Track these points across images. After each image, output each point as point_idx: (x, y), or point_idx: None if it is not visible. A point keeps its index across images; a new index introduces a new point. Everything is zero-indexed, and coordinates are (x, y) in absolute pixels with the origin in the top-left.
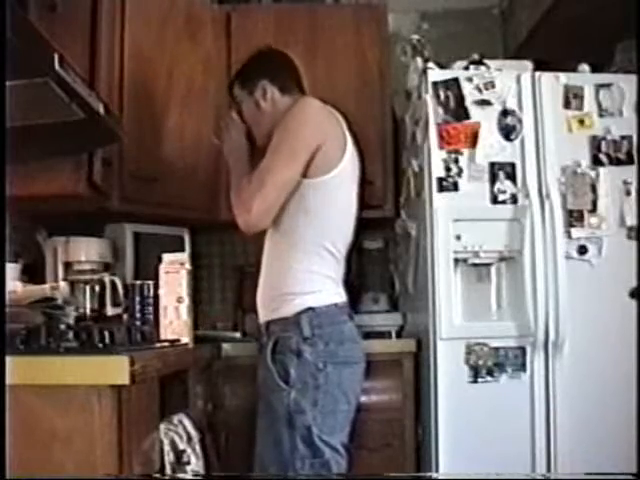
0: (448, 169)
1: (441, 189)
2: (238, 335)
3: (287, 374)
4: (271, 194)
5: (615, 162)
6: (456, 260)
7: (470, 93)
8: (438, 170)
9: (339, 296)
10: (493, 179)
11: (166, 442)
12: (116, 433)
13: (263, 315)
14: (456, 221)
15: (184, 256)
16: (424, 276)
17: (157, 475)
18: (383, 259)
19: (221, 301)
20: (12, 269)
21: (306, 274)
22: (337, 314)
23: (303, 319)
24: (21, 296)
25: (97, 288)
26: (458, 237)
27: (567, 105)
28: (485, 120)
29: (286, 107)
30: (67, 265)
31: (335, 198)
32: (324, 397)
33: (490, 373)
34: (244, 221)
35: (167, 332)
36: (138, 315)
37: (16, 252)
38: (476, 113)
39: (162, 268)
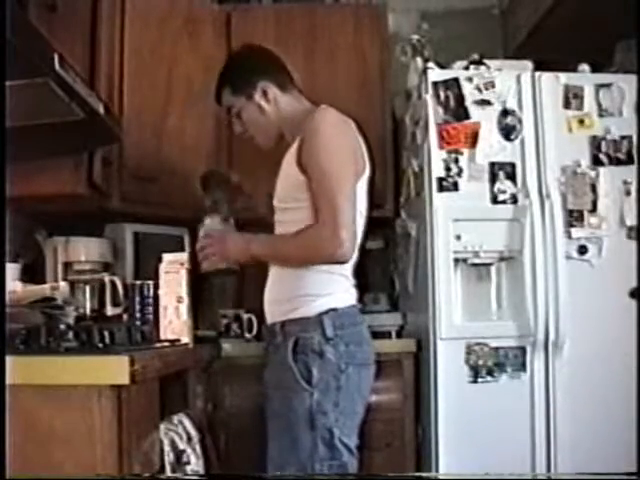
0: (448, 169)
1: (441, 189)
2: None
3: (310, 374)
4: (348, 216)
5: (615, 162)
6: (456, 260)
7: (470, 93)
8: (438, 170)
9: (354, 297)
10: (493, 179)
11: (166, 442)
12: (116, 433)
13: (277, 315)
14: (456, 221)
15: (184, 256)
16: (424, 276)
17: (157, 475)
18: (383, 259)
19: (221, 301)
20: (12, 269)
21: (326, 274)
22: (356, 315)
23: (326, 320)
24: (21, 296)
25: (97, 288)
26: (458, 237)
27: (567, 105)
28: (485, 120)
29: (289, 106)
30: (67, 265)
31: (360, 204)
32: (345, 398)
33: (490, 373)
34: (342, 255)
35: (167, 332)
36: (138, 315)
37: (16, 252)
38: (476, 113)
39: (162, 268)
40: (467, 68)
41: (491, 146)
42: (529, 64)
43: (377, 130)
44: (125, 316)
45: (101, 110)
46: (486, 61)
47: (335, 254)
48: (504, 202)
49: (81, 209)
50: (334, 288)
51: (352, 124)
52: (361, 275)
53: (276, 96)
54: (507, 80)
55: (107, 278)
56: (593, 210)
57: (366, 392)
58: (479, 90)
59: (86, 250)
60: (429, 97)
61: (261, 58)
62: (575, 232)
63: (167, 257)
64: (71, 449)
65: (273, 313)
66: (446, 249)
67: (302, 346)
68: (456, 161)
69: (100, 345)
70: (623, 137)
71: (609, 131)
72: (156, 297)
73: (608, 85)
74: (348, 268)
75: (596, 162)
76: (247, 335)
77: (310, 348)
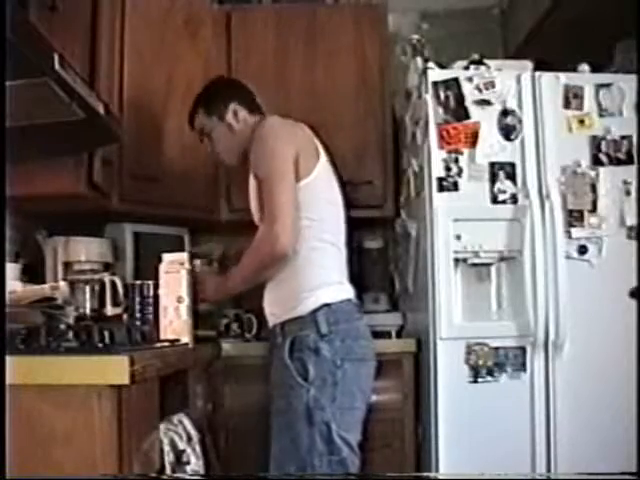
0: (448, 169)
1: (441, 189)
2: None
3: (306, 371)
4: (287, 218)
5: (615, 162)
6: (456, 260)
7: (470, 93)
8: (438, 170)
9: (350, 291)
10: (493, 179)
11: (166, 442)
12: (116, 433)
13: (277, 316)
14: (456, 221)
15: (184, 256)
16: (424, 276)
17: (157, 475)
18: (383, 259)
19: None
20: (12, 269)
21: (316, 269)
22: (352, 311)
23: (320, 316)
24: (21, 296)
25: (97, 288)
26: (458, 237)
27: (567, 105)
28: (485, 120)
29: (255, 126)
30: (67, 265)
31: (321, 194)
32: (342, 394)
33: (490, 373)
34: (280, 250)
35: (167, 332)
36: (138, 315)
37: (16, 252)
38: (476, 113)
39: (162, 268)
40: (467, 68)
41: (491, 146)
42: (529, 64)
43: (377, 130)
44: (125, 316)
45: (101, 110)
46: (486, 61)
47: (273, 251)
48: (504, 202)
49: (81, 209)
50: (325, 280)
51: (298, 126)
52: (361, 275)
53: (245, 117)
54: (507, 80)
55: (107, 278)
56: (593, 210)
57: (366, 387)
58: (479, 90)
59: (86, 250)
60: (429, 97)
61: (233, 86)
62: (575, 232)
63: (167, 257)
64: (71, 449)
65: (274, 315)
66: (446, 249)
67: (299, 344)
68: (456, 161)
69: (100, 345)
70: (623, 137)
71: (609, 131)
72: (156, 297)
73: (608, 85)
74: (338, 259)
75: (596, 162)
76: (247, 335)
77: (306, 346)
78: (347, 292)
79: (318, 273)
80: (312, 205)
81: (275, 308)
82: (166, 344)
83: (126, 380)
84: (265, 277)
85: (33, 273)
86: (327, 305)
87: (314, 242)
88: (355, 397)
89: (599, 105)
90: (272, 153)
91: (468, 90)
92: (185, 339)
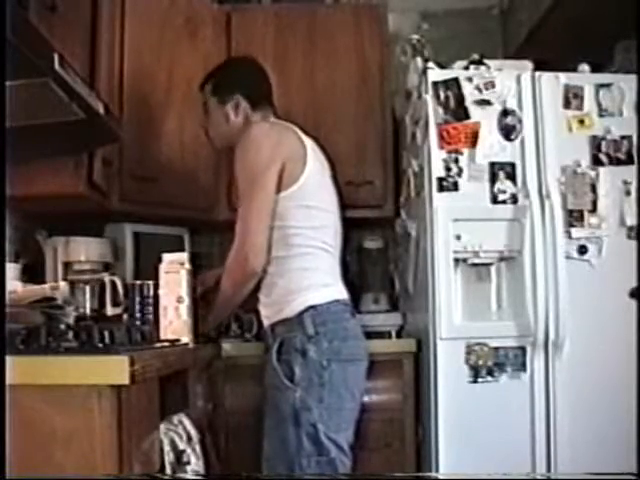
0: (448, 169)
1: (441, 189)
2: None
3: (292, 373)
4: (257, 237)
5: (615, 162)
6: (456, 260)
7: (470, 93)
8: (438, 170)
9: (339, 293)
10: (493, 179)
11: (166, 442)
12: (116, 433)
13: (267, 318)
14: (456, 221)
15: (184, 256)
16: (424, 276)
17: (157, 475)
18: (383, 259)
19: None
20: (12, 269)
21: (303, 272)
22: (339, 311)
23: (306, 318)
24: (21, 296)
25: (97, 288)
26: (458, 237)
27: (567, 105)
28: (485, 120)
29: (251, 122)
30: (67, 265)
31: (309, 202)
32: (329, 394)
33: (490, 373)
34: (249, 268)
35: (167, 332)
36: (138, 315)
37: (16, 252)
38: (476, 113)
39: (162, 268)
40: (467, 68)
41: (491, 146)
42: (529, 64)
43: (377, 130)
44: (125, 316)
45: (101, 110)
46: (486, 61)
47: (244, 272)
48: (504, 202)
49: (81, 209)
50: (312, 283)
51: (288, 131)
52: (361, 275)
53: (246, 111)
54: (507, 80)
55: (107, 278)
56: (593, 210)
57: (355, 388)
58: (479, 90)
59: (86, 250)
60: (429, 97)
61: (247, 73)
62: (575, 232)
63: (167, 257)
64: (71, 449)
65: (266, 317)
66: (446, 249)
67: (286, 346)
68: (456, 161)
69: (100, 345)
70: (623, 137)
71: (609, 131)
72: (156, 297)
73: (608, 85)
74: (328, 263)
75: (596, 162)
76: (247, 335)
77: (293, 347)
78: (336, 293)
79: (306, 276)
80: (299, 214)
81: (267, 311)
82: (166, 344)
83: (126, 380)
84: (245, 294)
85: (33, 273)
86: (313, 307)
87: (303, 248)
88: (343, 398)
89: (599, 105)
90: (250, 168)
91: (468, 90)
92: (185, 339)
